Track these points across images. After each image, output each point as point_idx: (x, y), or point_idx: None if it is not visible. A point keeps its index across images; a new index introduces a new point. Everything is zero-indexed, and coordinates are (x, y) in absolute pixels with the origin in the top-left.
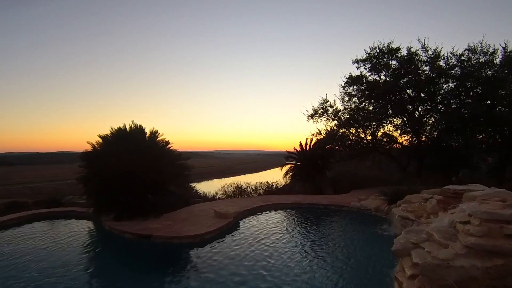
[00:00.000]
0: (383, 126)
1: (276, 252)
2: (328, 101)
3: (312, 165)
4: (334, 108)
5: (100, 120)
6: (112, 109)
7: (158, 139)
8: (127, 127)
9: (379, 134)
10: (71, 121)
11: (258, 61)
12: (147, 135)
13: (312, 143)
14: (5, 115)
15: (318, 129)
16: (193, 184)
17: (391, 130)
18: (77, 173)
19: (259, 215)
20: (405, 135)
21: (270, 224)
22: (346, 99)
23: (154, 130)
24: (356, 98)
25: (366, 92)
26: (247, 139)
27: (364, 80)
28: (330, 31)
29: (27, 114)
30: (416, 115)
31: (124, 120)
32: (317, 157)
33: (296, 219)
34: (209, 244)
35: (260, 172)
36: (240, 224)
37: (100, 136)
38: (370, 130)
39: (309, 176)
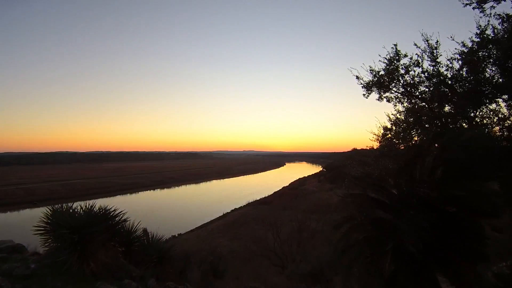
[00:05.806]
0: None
1: None
2: (405, 55)
3: (456, 228)
4: (420, 71)
5: (99, 120)
6: (113, 109)
7: None
8: None
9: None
10: (70, 121)
11: (258, 61)
12: None
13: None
14: (3, 115)
15: (401, 109)
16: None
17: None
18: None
19: None
20: None
21: None
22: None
23: None
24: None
25: None
26: (247, 140)
27: None
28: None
29: (26, 114)
30: None
31: (124, 120)
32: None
33: None
34: None
35: (260, 173)
36: None
37: None
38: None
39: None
